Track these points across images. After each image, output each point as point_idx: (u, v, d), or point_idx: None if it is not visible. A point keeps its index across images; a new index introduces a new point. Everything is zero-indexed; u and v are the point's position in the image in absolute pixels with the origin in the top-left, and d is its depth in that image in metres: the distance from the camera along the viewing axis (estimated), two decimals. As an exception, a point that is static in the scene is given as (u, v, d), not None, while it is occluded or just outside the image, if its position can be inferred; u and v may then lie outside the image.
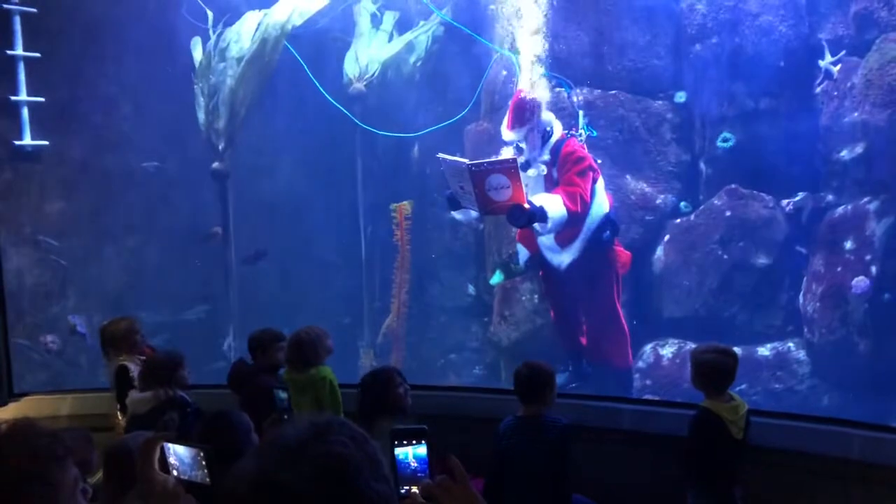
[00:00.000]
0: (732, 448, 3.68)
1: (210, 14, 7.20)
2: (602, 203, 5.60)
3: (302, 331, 4.49)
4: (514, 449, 3.77)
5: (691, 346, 5.94)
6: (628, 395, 5.74)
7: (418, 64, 7.36)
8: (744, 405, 3.76)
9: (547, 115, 5.58)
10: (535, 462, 3.72)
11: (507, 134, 5.53)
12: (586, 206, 5.42)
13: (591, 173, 5.46)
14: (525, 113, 5.46)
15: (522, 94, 5.49)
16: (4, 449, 1.78)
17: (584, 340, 5.90)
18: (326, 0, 7.05)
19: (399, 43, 7.29)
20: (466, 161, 5.20)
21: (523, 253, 5.83)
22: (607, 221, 5.58)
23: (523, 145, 5.41)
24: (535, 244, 5.72)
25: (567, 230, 5.46)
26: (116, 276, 7.53)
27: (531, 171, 5.41)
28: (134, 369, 4.68)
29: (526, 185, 5.22)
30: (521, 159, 5.37)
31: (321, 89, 6.96)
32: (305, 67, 6.98)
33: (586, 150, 5.52)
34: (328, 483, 1.16)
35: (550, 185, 5.43)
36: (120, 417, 4.76)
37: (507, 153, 5.49)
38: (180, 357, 4.38)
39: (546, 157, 5.43)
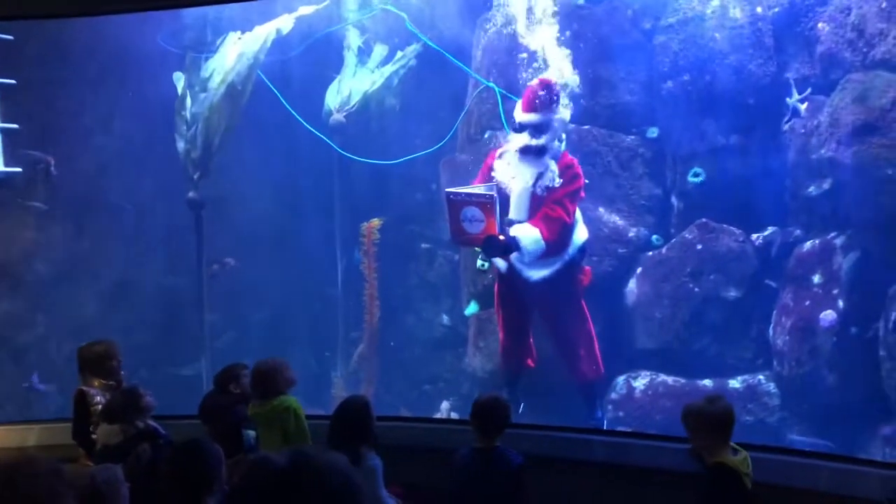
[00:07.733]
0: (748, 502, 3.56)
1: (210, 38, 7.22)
2: (582, 230, 5.66)
3: (261, 362, 4.57)
4: (470, 482, 3.85)
5: (664, 378, 5.99)
6: (600, 406, 5.85)
7: (397, 95, 7.41)
8: (747, 454, 3.67)
9: (564, 112, 5.52)
10: (489, 494, 3.79)
11: (522, 116, 5.41)
12: (567, 233, 5.41)
13: (579, 196, 5.49)
14: (551, 96, 5.34)
15: (547, 78, 5.42)
16: (4, 491, 1.76)
17: (530, 362, 5.92)
18: (291, 25, 7.02)
19: (381, 74, 7.34)
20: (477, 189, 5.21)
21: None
22: (583, 249, 5.66)
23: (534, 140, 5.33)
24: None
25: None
26: (89, 304, 7.44)
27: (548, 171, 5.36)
28: (96, 395, 4.60)
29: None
30: (534, 143, 5.30)
31: (295, 115, 6.95)
32: (278, 94, 6.99)
33: (580, 169, 5.55)
34: None
35: (536, 202, 5.41)
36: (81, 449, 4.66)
37: (516, 140, 5.42)
38: (135, 390, 4.30)
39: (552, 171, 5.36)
